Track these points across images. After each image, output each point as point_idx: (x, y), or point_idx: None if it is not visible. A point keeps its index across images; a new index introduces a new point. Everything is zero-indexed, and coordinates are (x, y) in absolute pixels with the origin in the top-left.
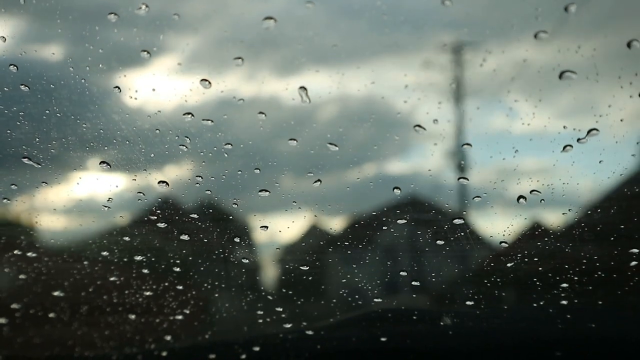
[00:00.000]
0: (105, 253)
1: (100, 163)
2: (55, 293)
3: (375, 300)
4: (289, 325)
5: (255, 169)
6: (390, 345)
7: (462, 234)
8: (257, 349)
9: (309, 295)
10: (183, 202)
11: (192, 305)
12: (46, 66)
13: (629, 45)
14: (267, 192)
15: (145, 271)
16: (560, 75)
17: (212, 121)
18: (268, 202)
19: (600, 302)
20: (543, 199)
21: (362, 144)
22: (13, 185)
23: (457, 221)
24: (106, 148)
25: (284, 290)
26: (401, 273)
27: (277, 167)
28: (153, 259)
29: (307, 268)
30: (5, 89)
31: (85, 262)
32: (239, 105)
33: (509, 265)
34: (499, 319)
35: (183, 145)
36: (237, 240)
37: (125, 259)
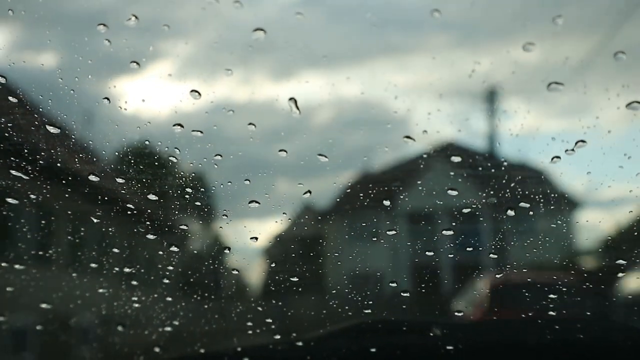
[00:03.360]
0: (94, 265)
1: (89, 175)
2: (43, 305)
3: (365, 311)
4: (278, 336)
5: (245, 179)
6: (380, 356)
7: (451, 245)
8: None
9: (298, 306)
10: (173, 213)
11: (182, 317)
12: (35, 77)
13: (615, 57)
14: (258, 203)
15: (134, 283)
16: (548, 87)
17: (201, 132)
18: (258, 213)
19: (588, 313)
20: (531, 211)
21: (353, 152)
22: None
23: (446, 232)
24: (95, 159)
25: (274, 301)
26: (391, 284)
27: (267, 178)
28: (142, 271)
29: (297, 279)
30: None
31: (74, 274)
32: (229, 116)
33: (497, 276)
34: (487, 329)
35: (172, 157)
36: (226, 251)
37: (114, 271)
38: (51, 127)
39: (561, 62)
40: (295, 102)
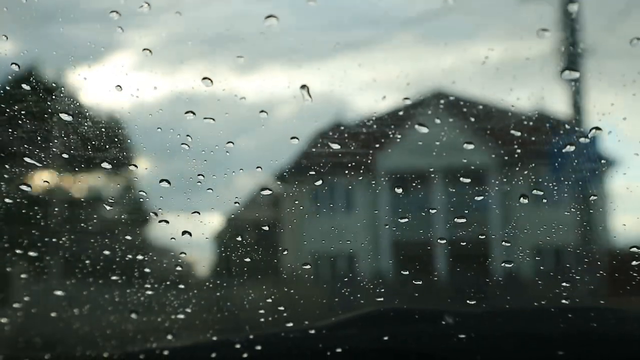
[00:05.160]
0: (107, 252)
1: (102, 162)
2: (57, 292)
3: (378, 299)
4: (290, 324)
5: (257, 167)
6: (392, 345)
7: (464, 233)
8: (259, 347)
9: (310, 294)
10: (185, 200)
11: (194, 304)
12: (48, 65)
13: (631, 43)
14: (270, 191)
15: (147, 270)
16: (562, 74)
17: (213, 119)
18: (269, 200)
19: (602, 302)
20: (545, 198)
21: (365, 140)
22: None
23: (458, 220)
24: (108, 147)
25: (286, 289)
26: (403, 272)
27: (279, 166)
28: (155, 258)
29: (309, 267)
30: (7, 87)
31: (87, 261)
32: (241, 104)
33: (510, 264)
34: (500, 318)
35: (185, 144)
36: (238, 239)
37: (127, 258)
38: (64, 115)
39: (576, 48)
40: (308, 89)
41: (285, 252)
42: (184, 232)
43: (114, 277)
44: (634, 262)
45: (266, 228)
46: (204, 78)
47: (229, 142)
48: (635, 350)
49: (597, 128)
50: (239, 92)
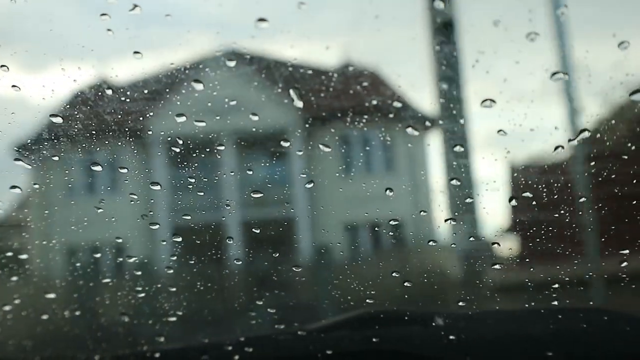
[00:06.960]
0: (97, 255)
1: (92, 165)
2: (48, 295)
3: (368, 301)
4: (281, 326)
5: (248, 170)
6: (383, 347)
7: (454, 234)
8: (249, 350)
9: (299, 295)
10: (176, 203)
11: (185, 307)
12: (37, 67)
13: (620, 46)
14: (261, 194)
15: (138, 273)
16: (552, 76)
17: (204, 122)
18: (260, 203)
19: (591, 303)
20: (534, 200)
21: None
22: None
23: (449, 222)
24: (98, 150)
25: (277, 291)
26: (393, 274)
27: (270, 168)
28: (146, 261)
29: (300, 269)
30: None
31: (78, 264)
32: (231, 106)
33: (500, 265)
34: (490, 319)
35: (175, 147)
36: (229, 241)
37: (117, 261)
38: (54, 117)
39: (566, 51)
40: (299, 91)
41: (277, 255)
42: (173, 235)
43: (105, 280)
44: (624, 264)
45: (257, 230)
46: (195, 80)
47: (219, 145)
48: (624, 350)
49: (586, 130)
50: (229, 94)
